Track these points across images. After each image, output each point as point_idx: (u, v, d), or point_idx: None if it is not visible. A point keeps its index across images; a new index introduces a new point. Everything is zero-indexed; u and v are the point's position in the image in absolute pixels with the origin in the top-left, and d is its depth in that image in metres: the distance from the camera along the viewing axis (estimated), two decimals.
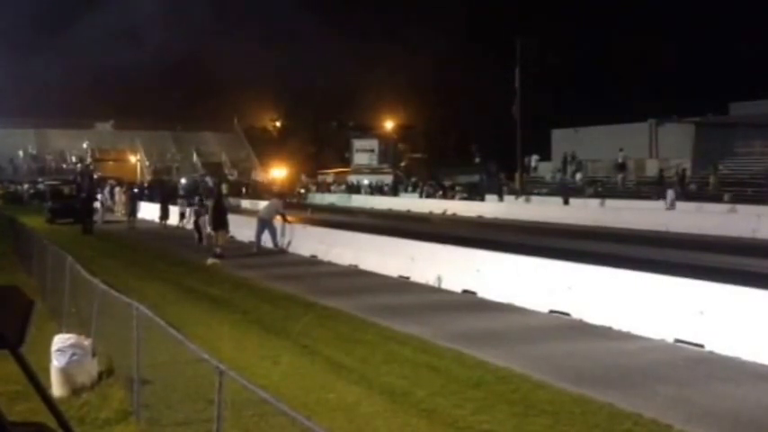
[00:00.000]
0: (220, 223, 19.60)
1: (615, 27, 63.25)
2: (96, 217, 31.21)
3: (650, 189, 40.11)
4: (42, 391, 1.55)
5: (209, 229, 20.72)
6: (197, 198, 27.74)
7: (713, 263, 16.05)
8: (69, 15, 70.93)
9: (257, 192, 54.76)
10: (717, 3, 58.25)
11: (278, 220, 21.26)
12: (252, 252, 20.37)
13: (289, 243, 20.79)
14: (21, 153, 68.54)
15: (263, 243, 20.71)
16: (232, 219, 21.84)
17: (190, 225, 29.56)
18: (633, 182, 44.45)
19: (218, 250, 19.06)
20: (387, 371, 8.18)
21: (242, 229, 22.96)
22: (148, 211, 34.45)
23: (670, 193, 31.94)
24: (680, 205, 31.14)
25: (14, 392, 6.16)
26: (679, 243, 21.01)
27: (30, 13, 71.50)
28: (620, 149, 44.04)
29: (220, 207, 20.18)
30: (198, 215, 22.33)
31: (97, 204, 33.40)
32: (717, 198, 33.42)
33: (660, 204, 32.59)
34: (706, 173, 39.63)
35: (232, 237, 21.43)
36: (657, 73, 60.17)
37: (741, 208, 29.36)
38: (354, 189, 59.06)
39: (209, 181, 56.69)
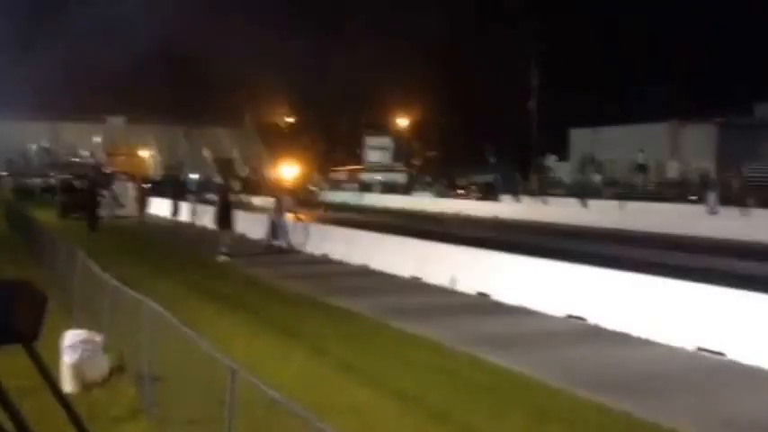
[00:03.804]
0: (226, 222, 19.41)
1: (637, 25, 62.76)
2: (105, 212, 31.14)
3: (670, 191, 39.65)
4: (55, 387, 1.53)
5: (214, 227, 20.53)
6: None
7: (735, 268, 15.78)
8: (83, 9, 71.32)
9: (269, 189, 54.77)
10: (740, 2, 57.72)
11: (289, 218, 21.19)
12: (263, 250, 20.31)
13: (300, 242, 20.73)
14: (33, 147, 68.88)
15: (274, 242, 20.64)
16: (244, 216, 21.80)
17: (201, 222, 29.64)
18: (654, 183, 43.98)
19: (225, 248, 18.96)
20: (399, 373, 8.07)
21: (254, 226, 22.91)
22: (159, 206, 34.48)
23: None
24: (701, 209, 30.57)
25: (23, 387, 6.09)
26: (700, 247, 20.72)
27: (43, 8, 71.92)
28: (641, 150, 43.59)
29: (226, 205, 19.99)
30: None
31: (101, 199, 33.33)
32: (740, 201, 32.94)
33: (680, 208, 32.11)
34: (728, 175, 39.04)
35: (243, 235, 21.35)
36: (679, 72, 59.66)
37: (765, 212, 28.87)
38: (367, 187, 58.88)
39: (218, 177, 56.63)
